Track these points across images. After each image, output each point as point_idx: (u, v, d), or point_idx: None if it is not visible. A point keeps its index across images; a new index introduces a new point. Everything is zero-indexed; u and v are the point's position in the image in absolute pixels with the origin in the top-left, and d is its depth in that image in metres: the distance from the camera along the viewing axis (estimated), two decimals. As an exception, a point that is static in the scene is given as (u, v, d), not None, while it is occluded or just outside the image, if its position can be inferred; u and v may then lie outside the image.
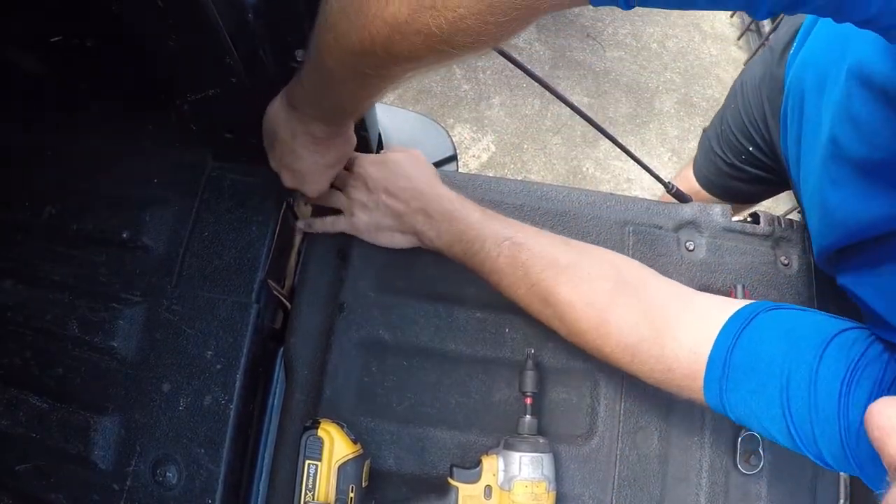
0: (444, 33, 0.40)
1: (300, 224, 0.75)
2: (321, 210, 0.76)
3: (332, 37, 0.48)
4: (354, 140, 0.69)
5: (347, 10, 0.46)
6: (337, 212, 0.74)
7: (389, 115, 0.99)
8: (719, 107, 1.09)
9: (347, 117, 0.65)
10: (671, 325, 0.59)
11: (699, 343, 0.57)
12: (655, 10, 2.32)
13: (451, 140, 1.07)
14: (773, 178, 0.99)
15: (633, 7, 0.38)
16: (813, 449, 0.52)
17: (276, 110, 0.63)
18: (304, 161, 0.65)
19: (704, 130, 1.14)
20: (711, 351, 0.56)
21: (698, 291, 0.63)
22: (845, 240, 0.59)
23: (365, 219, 0.71)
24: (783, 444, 0.55)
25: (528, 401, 0.67)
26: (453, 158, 1.05)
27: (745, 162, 1.01)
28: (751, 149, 0.98)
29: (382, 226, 0.70)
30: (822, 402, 0.50)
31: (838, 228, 0.60)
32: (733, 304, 0.59)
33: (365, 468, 0.64)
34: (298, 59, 0.61)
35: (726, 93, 1.07)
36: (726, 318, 0.57)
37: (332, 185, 0.73)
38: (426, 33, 0.41)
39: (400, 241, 0.71)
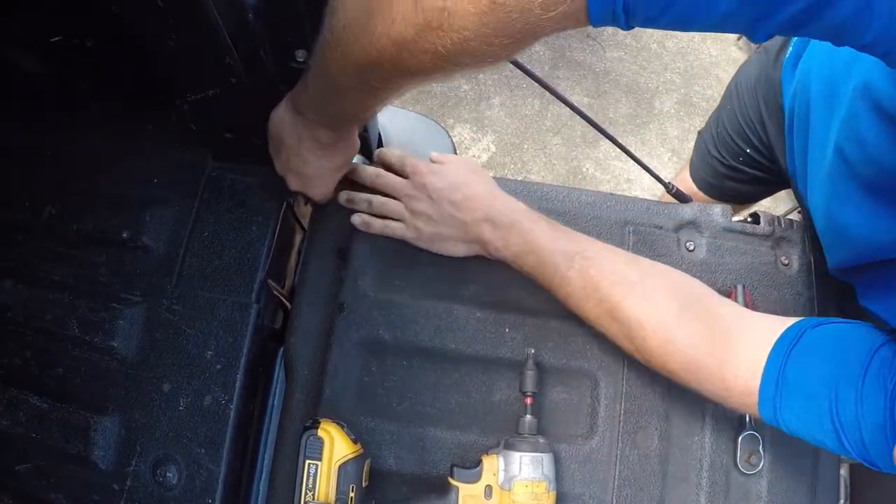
0: (450, 53, 0.41)
1: (355, 219, 0.73)
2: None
3: (339, 51, 0.49)
4: (358, 144, 0.70)
5: (353, 27, 0.46)
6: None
7: (389, 115, 0.99)
8: (720, 107, 1.09)
9: (352, 123, 0.65)
10: (731, 343, 0.61)
11: (755, 362, 0.59)
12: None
13: (451, 140, 1.07)
14: (771, 178, 0.99)
15: (632, 28, 0.39)
16: (865, 456, 0.54)
17: (282, 115, 0.63)
18: (310, 165, 0.66)
19: (700, 133, 1.14)
20: (764, 370, 0.58)
21: (752, 311, 0.65)
22: (855, 259, 0.61)
23: (429, 230, 0.70)
24: (840, 454, 0.58)
25: (529, 401, 0.67)
26: (453, 158, 1.05)
27: (742, 163, 1.01)
28: (748, 150, 0.98)
29: (445, 236, 0.70)
30: (869, 413, 0.52)
31: (847, 245, 0.62)
32: (783, 322, 0.61)
33: (365, 468, 0.64)
34: (299, 59, 0.61)
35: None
36: (778, 336, 0.59)
37: (387, 195, 0.72)
38: (433, 52, 0.42)
39: (462, 250, 0.71)
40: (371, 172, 0.74)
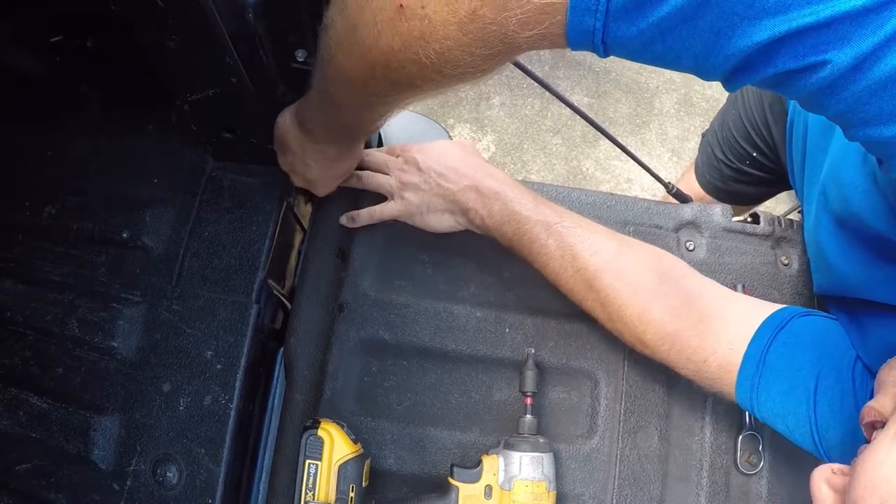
0: (434, 63, 0.42)
1: (342, 220, 0.74)
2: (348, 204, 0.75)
3: (334, 68, 0.50)
4: (362, 153, 0.71)
5: (343, 43, 0.47)
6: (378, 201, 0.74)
7: (389, 115, 0.99)
8: (720, 105, 1.09)
9: (356, 138, 0.67)
10: (711, 318, 0.62)
11: (736, 339, 0.60)
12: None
13: (452, 140, 1.07)
14: (777, 179, 0.99)
15: (609, 56, 0.40)
16: (829, 454, 0.55)
17: (288, 126, 0.64)
18: (314, 172, 0.67)
19: (704, 134, 1.14)
20: (747, 349, 0.59)
21: (734, 292, 0.66)
22: (832, 288, 0.62)
23: (416, 200, 0.70)
24: (803, 446, 0.58)
25: (529, 400, 0.67)
26: (453, 158, 1.05)
27: (749, 166, 1.01)
28: (754, 154, 0.98)
29: (433, 206, 0.70)
30: (850, 411, 0.53)
31: (826, 271, 0.63)
32: (769, 306, 0.62)
33: (365, 468, 0.64)
34: (299, 58, 0.61)
35: (726, 93, 1.06)
36: (762, 318, 0.60)
37: (378, 171, 0.73)
38: (418, 63, 0.42)
39: (449, 222, 0.71)
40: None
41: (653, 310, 0.62)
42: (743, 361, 0.59)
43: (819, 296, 0.68)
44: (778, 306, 0.62)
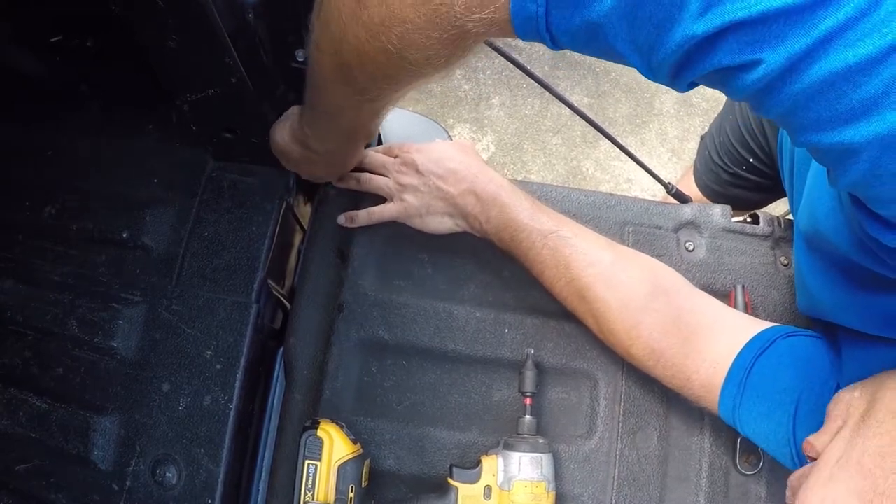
0: (399, 49, 0.43)
1: (340, 219, 0.74)
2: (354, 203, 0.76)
3: (317, 71, 0.52)
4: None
5: (320, 43, 0.48)
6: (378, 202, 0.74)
7: (389, 115, 0.99)
8: (719, 106, 1.09)
9: (358, 141, 0.67)
10: (698, 335, 0.62)
11: (720, 359, 0.60)
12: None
13: (452, 139, 1.07)
14: (775, 184, 0.99)
15: (561, 49, 0.39)
16: None
17: (288, 144, 0.64)
18: (321, 171, 0.70)
19: (702, 137, 1.14)
20: (729, 370, 0.59)
21: (727, 306, 0.66)
22: (809, 309, 0.62)
23: (416, 202, 0.70)
24: (786, 465, 0.59)
25: (528, 401, 0.68)
26: (453, 158, 1.05)
27: (746, 171, 1.01)
28: (751, 160, 0.98)
29: (433, 209, 0.70)
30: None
31: (803, 288, 0.63)
32: (756, 325, 0.62)
33: (364, 468, 0.64)
34: (299, 59, 0.61)
35: (726, 92, 1.06)
36: (749, 338, 0.60)
37: (377, 173, 0.74)
38: (385, 51, 0.43)
39: (449, 225, 0.71)
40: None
41: (641, 326, 0.63)
42: (725, 381, 0.60)
43: (804, 317, 0.68)
44: (766, 325, 0.62)
